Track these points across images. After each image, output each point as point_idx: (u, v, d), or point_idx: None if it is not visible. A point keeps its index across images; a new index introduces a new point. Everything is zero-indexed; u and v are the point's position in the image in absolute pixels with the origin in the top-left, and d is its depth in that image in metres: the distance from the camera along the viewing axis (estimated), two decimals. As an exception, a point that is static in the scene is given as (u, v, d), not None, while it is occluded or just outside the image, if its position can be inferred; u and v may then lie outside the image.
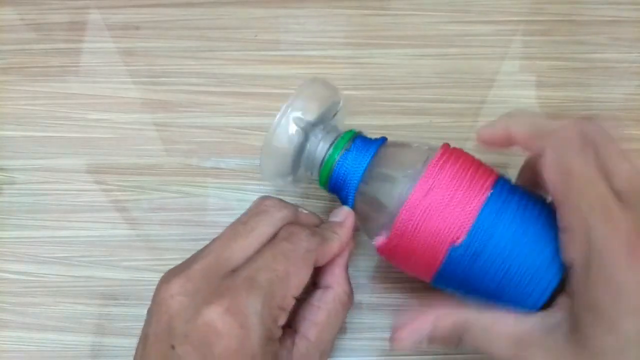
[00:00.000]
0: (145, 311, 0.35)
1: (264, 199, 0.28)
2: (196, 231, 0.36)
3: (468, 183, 0.26)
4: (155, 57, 0.39)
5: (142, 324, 0.37)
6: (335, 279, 0.28)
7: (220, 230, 0.36)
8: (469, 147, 0.36)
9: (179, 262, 0.35)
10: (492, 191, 0.26)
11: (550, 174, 0.24)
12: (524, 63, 0.38)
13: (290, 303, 0.25)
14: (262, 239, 0.26)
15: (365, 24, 0.40)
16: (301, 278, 0.25)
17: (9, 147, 0.38)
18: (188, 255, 0.36)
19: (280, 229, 0.26)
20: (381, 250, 0.28)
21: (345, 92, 0.38)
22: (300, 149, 0.29)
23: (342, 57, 0.39)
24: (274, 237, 0.26)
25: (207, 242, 0.36)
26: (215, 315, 0.23)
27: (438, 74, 0.38)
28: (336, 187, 0.29)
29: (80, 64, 0.40)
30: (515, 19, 0.39)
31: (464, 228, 0.25)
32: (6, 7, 0.41)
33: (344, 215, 0.29)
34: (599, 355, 0.21)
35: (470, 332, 0.25)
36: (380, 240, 0.27)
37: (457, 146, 0.37)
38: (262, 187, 0.36)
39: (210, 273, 0.24)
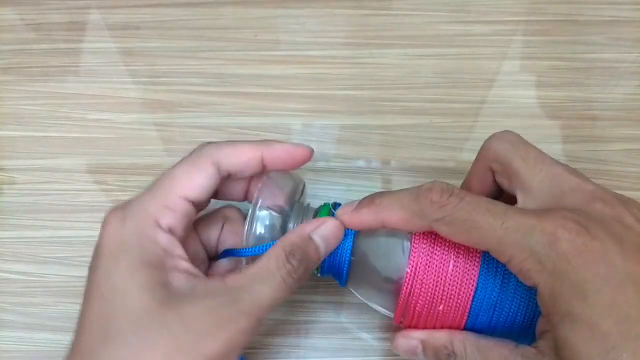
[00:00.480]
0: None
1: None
2: (196, 231, 0.36)
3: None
4: (155, 57, 0.39)
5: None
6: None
7: (220, 230, 0.36)
8: (469, 147, 0.37)
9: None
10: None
11: (459, 239, 0.24)
12: (524, 63, 0.38)
13: (176, 203, 0.25)
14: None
15: (365, 24, 0.40)
16: (194, 178, 0.25)
17: (9, 147, 0.38)
18: (188, 255, 0.36)
19: None
20: (399, 317, 0.27)
21: (345, 92, 0.38)
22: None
23: (342, 57, 0.39)
24: None
25: (207, 242, 0.36)
26: (110, 212, 0.25)
27: (438, 74, 0.38)
28: (331, 267, 0.27)
29: (80, 64, 0.40)
30: (515, 19, 0.39)
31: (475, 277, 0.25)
32: (6, 7, 0.41)
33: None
34: None
35: (466, 350, 0.25)
36: (398, 335, 0.27)
37: (458, 146, 0.37)
38: (262, 187, 0.36)
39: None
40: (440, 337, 0.26)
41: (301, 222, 0.27)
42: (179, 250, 0.25)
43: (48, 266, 0.35)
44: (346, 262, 0.27)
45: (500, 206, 0.23)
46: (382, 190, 0.36)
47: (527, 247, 0.21)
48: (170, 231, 0.25)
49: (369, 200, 0.25)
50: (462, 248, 0.25)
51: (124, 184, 0.37)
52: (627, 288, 0.20)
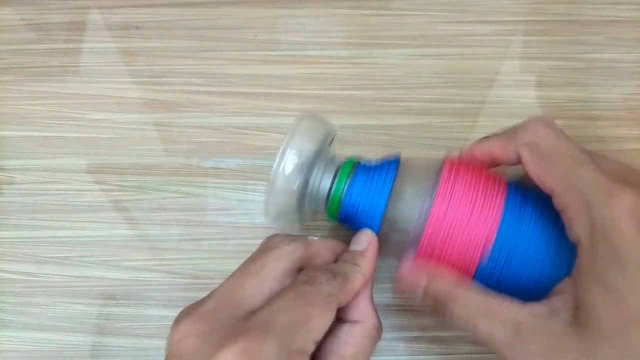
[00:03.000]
0: (145, 311, 0.35)
1: (271, 237, 0.27)
2: (196, 231, 0.36)
3: (483, 191, 0.26)
4: (155, 57, 0.39)
5: (142, 324, 0.37)
6: (363, 312, 0.26)
7: (220, 230, 0.36)
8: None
9: (179, 262, 0.36)
10: (507, 197, 0.26)
11: (534, 167, 0.25)
12: (524, 63, 0.38)
13: (311, 347, 0.23)
14: (275, 275, 0.25)
15: (365, 24, 0.40)
16: (324, 322, 0.24)
17: (9, 147, 0.38)
18: (188, 255, 0.36)
19: (299, 270, 0.26)
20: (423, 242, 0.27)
21: (345, 92, 0.38)
22: (303, 187, 0.28)
23: (342, 57, 0.39)
24: (288, 275, 0.25)
25: (207, 242, 0.36)
26: (229, 357, 0.21)
27: (438, 74, 0.38)
28: (348, 218, 0.29)
29: (80, 64, 0.40)
30: (515, 19, 0.39)
31: (490, 237, 0.25)
32: (6, 7, 0.41)
33: (366, 241, 0.28)
34: (603, 331, 0.21)
35: (464, 309, 0.25)
36: (406, 262, 0.27)
37: (457, 146, 0.37)
38: (262, 187, 0.36)
39: (223, 313, 0.23)
40: (445, 285, 0.26)
41: (323, 173, 0.29)
42: None
43: (48, 266, 0.35)
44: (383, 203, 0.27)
45: (582, 156, 0.24)
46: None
47: (590, 205, 0.22)
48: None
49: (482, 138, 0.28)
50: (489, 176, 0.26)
51: (124, 184, 0.37)
52: None
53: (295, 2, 0.40)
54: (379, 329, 0.26)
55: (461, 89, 0.38)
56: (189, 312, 0.24)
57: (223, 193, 0.37)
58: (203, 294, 0.25)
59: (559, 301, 0.23)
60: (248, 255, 0.26)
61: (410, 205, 0.27)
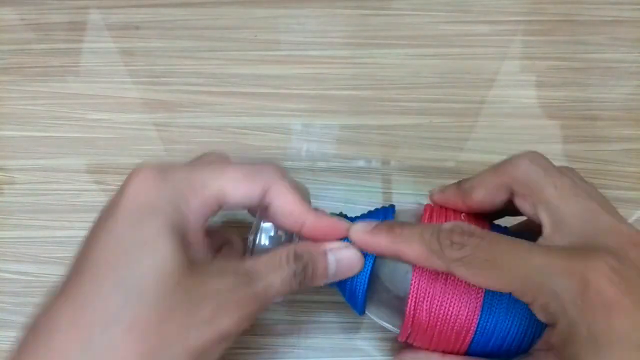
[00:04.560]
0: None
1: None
2: (196, 231, 0.36)
3: None
4: (155, 57, 0.39)
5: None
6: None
7: (220, 230, 0.36)
8: (469, 147, 0.37)
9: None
10: None
11: (484, 281, 0.23)
12: (524, 63, 0.38)
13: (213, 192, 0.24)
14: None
15: (365, 24, 0.40)
16: (239, 187, 0.25)
17: (9, 147, 0.38)
18: (188, 255, 0.36)
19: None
20: (404, 335, 0.27)
21: (345, 92, 0.38)
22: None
23: (342, 57, 0.39)
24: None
25: (207, 242, 0.36)
26: (145, 167, 0.25)
27: (438, 74, 0.38)
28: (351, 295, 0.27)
29: (80, 64, 0.40)
30: (515, 19, 0.39)
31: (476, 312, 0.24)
32: (6, 7, 0.41)
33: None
34: None
35: None
36: (400, 327, 0.26)
37: (458, 146, 0.37)
38: (262, 187, 0.36)
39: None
40: None
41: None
42: (201, 223, 0.24)
43: (48, 266, 0.35)
44: (362, 291, 0.26)
45: (523, 245, 0.22)
46: (382, 191, 0.36)
47: (552, 290, 0.21)
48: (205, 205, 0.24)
49: (388, 227, 0.24)
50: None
51: (124, 184, 0.37)
52: None
53: (295, 2, 0.40)
54: None
55: (461, 89, 0.38)
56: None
57: (223, 193, 0.37)
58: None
59: None
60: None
61: (393, 269, 0.26)
